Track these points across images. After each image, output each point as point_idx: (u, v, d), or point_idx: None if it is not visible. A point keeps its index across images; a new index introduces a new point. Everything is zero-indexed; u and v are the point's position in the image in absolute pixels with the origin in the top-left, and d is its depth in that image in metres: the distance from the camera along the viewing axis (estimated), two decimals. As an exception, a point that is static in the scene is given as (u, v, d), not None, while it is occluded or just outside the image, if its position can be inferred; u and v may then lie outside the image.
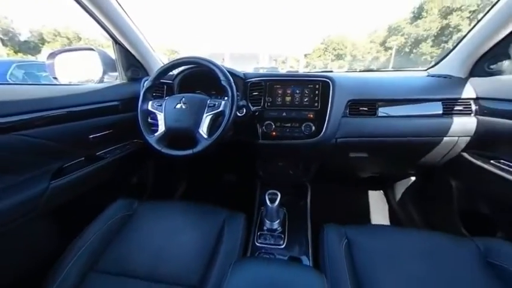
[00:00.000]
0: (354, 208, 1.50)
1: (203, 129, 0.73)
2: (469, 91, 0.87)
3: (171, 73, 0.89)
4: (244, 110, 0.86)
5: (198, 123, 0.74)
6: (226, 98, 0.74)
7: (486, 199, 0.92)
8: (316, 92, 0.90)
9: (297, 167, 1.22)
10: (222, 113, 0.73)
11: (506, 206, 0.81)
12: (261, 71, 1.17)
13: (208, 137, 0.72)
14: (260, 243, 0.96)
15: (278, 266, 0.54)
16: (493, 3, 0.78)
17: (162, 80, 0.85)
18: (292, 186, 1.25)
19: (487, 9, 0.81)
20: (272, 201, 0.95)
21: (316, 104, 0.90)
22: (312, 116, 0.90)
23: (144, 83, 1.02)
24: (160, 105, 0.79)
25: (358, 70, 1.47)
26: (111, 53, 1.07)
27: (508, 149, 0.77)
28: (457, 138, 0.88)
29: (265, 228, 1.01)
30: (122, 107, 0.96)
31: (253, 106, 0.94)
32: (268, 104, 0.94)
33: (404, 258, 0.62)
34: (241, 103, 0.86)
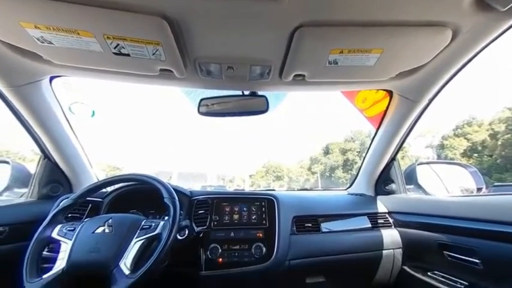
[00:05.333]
0: None
1: (126, 262, 0.56)
2: (381, 206, 1.07)
3: (103, 190, 0.78)
4: (187, 232, 0.75)
5: (121, 253, 0.57)
6: (166, 218, 0.66)
7: None
8: (263, 209, 0.92)
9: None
10: (158, 236, 0.61)
11: None
12: (209, 189, 1.18)
13: (131, 274, 0.54)
14: None
15: None
16: (367, 148, 1.18)
17: (88, 198, 0.72)
18: None
19: (366, 151, 1.21)
20: None
21: (264, 222, 0.89)
22: (261, 235, 0.85)
23: (61, 201, 0.83)
24: (73, 230, 0.61)
25: (296, 189, 1.67)
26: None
27: (432, 258, 0.86)
28: (392, 251, 0.95)
29: None
30: (7, 234, 0.70)
31: (197, 226, 0.84)
32: (215, 223, 0.87)
33: None
34: (183, 223, 0.76)
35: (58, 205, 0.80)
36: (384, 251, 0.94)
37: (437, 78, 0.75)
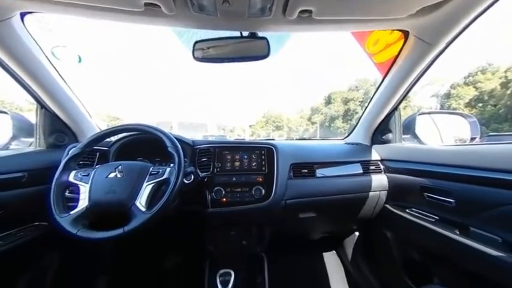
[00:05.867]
0: (312, 275, 1.41)
1: (141, 201, 0.63)
2: (375, 154, 1.13)
3: (107, 140, 0.81)
4: (192, 177, 0.82)
5: (135, 194, 0.64)
6: (172, 165, 0.70)
7: (414, 246, 1.04)
8: (263, 157, 0.97)
9: (251, 234, 1.13)
10: (166, 180, 0.67)
11: (430, 251, 0.93)
12: (210, 138, 1.21)
13: (147, 210, 0.62)
14: None
15: None
16: (371, 97, 1.15)
17: (95, 147, 0.75)
18: (247, 260, 1.11)
19: (369, 101, 1.18)
20: (224, 284, 0.79)
21: (263, 168, 0.95)
22: (260, 179, 0.93)
23: (69, 150, 0.87)
24: (87, 175, 0.66)
25: (295, 138, 1.73)
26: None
27: (413, 199, 0.97)
28: (378, 192, 1.06)
29: None
30: (28, 179, 0.76)
31: (201, 172, 0.91)
32: (218, 169, 0.93)
33: None
34: (188, 169, 0.82)
35: (68, 153, 0.84)
36: (370, 193, 1.05)
37: (459, 19, 0.66)
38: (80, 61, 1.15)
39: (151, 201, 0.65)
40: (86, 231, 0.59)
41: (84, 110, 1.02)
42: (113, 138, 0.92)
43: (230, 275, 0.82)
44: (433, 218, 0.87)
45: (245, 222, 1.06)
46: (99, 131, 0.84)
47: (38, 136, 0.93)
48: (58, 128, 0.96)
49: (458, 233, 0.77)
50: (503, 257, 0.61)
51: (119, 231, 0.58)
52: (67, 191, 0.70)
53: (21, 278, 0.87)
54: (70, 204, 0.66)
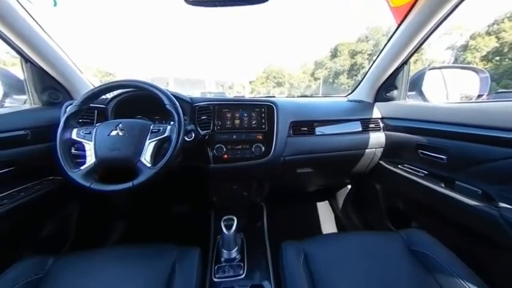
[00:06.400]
0: (307, 221, 1.59)
1: (146, 158, 0.66)
2: (376, 112, 1.12)
3: (103, 97, 0.78)
4: (193, 135, 0.83)
5: (139, 151, 0.66)
6: (172, 123, 0.70)
7: (400, 197, 1.14)
8: (263, 115, 0.97)
9: (251, 187, 1.23)
10: (168, 138, 0.68)
11: (413, 201, 1.03)
12: (209, 96, 1.17)
13: (153, 166, 0.65)
14: (218, 277, 0.87)
15: None
16: (381, 49, 1.06)
17: (92, 105, 0.74)
18: (248, 209, 1.23)
19: (377, 54, 1.09)
20: (228, 227, 0.91)
21: (263, 126, 0.96)
22: (260, 137, 0.95)
23: (66, 107, 0.85)
24: (89, 133, 0.67)
25: (296, 96, 1.67)
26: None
27: (407, 155, 1.01)
28: (374, 149, 1.10)
29: (222, 259, 0.93)
30: (32, 137, 0.77)
31: (202, 130, 0.92)
32: (218, 127, 0.94)
33: (351, 260, 0.68)
34: (189, 127, 0.82)
35: (65, 111, 0.83)
36: (367, 150, 1.08)
37: None
38: (55, 4, 1.01)
39: (155, 157, 0.67)
40: (98, 184, 0.63)
41: (72, 65, 0.96)
42: (109, 95, 0.89)
43: (233, 220, 0.92)
44: (423, 173, 0.92)
45: (245, 177, 1.13)
46: (92, 87, 0.81)
47: (30, 94, 0.90)
48: (49, 85, 0.92)
49: (443, 186, 0.83)
50: (481, 206, 0.68)
51: (129, 184, 0.63)
52: (73, 148, 0.72)
53: (48, 224, 0.98)
54: (78, 160, 0.68)
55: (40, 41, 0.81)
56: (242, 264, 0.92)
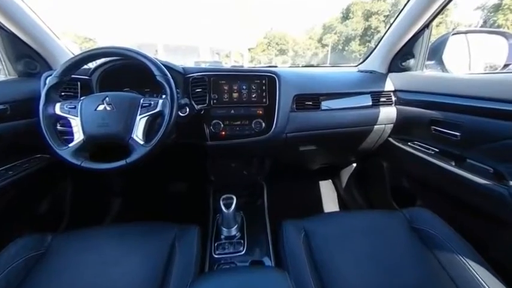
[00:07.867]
0: (308, 200, 1.66)
1: (137, 134, 0.65)
2: (389, 85, 1.08)
3: (86, 66, 0.75)
4: (188, 109, 0.82)
5: (130, 127, 0.66)
6: (164, 97, 0.69)
7: (406, 175, 1.17)
8: (264, 87, 0.94)
9: (251, 165, 1.25)
10: (160, 113, 0.67)
11: (420, 180, 1.05)
12: (203, 65, 1.13)
13: (146, 143, 0.65)
14: (218, 254, 0.94)
15: (238, 275, 0.55)
16: (399, 11, 0.99)
17: (73, 76, 0.71)
18: (248, 187, 1.27)
19: (396, 15, 1.02)
20: (227, 206, 0.95)
21: (264, 100, 0.94)
22: (261, 112, 0.93)
23: (46, 79, 0.83)
24: (74, 108, 0.66)
25: (300, 65, 1.61)
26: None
27: (419, 132, 1.00)
28: (384, 126, 1.09)
29: (222, 236, 0.99)
30: (11, 112, 0.76)
31: (197, 104, 0.90)
32: (214, 101, 0.92)
33: (352, 237, 0.72)
34: (183, 101, 0.81)
35: (45, 83, 0.80)
36: (376, 126, 1.07)
37: None
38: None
39: (148, 134, 0.67)
40: (89, 162, 0.64)
41: (47, 29, 0.91)
42: (92, 65, 0.86)
43: (232, 199, 0.96)
44: (433, 150, 0.93)
45: (245, 154, 1.14)
46: (72, 55, 0.77)
47: (3, 63, 0.87)
48: (25, 53, 0.88)
49: (453, 164, 0.84)
50: (490, 185, 0.70)
51: (122, 162, 0.63)
52: (58, 124, 0.72)
53: (42, 203, 1.03)
54: (66, 137, 0.69)
55: (8, 2, 0.75)
56: (242, 241, 0.98)
